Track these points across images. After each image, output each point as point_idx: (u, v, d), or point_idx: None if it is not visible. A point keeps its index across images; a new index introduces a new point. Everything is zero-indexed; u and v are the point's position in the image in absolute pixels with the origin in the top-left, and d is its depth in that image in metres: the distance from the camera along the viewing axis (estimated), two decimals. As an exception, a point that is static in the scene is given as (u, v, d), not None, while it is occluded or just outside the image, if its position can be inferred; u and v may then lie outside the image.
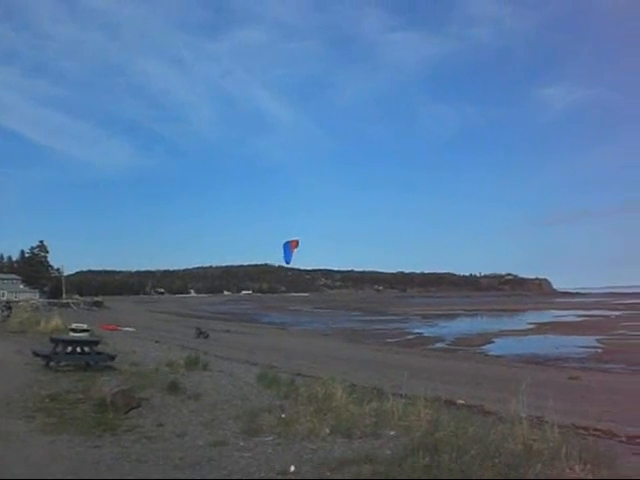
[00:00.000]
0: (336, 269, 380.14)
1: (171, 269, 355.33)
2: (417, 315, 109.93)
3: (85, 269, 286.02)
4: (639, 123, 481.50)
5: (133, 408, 9.58)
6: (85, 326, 18.27)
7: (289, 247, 18.72)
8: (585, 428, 10.30)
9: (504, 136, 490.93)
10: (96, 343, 15.86)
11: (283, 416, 8.89)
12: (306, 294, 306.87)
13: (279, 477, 6.37)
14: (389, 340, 55.22)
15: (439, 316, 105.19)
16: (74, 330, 17.39)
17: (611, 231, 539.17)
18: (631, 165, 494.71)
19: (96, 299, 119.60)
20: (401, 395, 9.59)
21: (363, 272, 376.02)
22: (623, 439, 9.70)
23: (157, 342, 27.75)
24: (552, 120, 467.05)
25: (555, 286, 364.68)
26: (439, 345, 50.40)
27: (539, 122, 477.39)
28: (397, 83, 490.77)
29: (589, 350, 42.96)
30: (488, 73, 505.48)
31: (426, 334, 63.29)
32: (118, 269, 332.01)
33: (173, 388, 11.12)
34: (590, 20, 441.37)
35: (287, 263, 19.48)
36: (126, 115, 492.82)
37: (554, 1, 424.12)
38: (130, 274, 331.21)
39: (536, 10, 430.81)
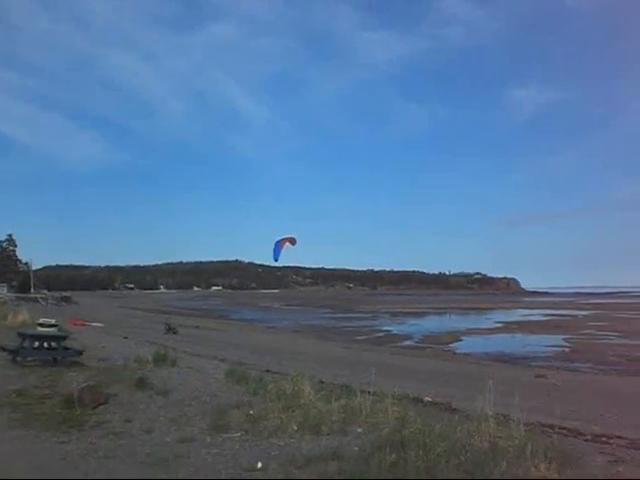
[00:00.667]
0: (307, 266, 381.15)
1: (141, 265, 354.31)
2: (387, 313, 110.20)
3: (53, 264, 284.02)
4: (607, 126, 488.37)
5: (100, 404, 9.55)
6: (53, 321, 17.99)
7: (279, 245, 18.79)
8: (551, 426, 10.44)
9: (474, 136, 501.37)
10: (64, 338, 15.73)
11: (251, 412, 8.92)
12: (277, 291, 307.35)
13: (246, 474, 6.40)
14: (358, 337, 55.31)
15: (408, 314, 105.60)
16: (42, 325, 17.15)
17: (578, 232, 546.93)
18: (598, 167, 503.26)
19: (64, 294, 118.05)
20: (369, 392, 9.67)
21: (334, 269, 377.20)
22: (589, 438, 9.85)
23: (125, 338, 27.59)
24: (522, 122, 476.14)
25: (523, 285, 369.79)
26: (408, 343, 50.50)
27: (509, 123, 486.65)
28: (369, 81, 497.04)
29: (556, 349, 43.34)
30: (460, 73, 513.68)
31: (395, 332, 63.46)
32: (87, 264, 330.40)
33: (141, 384, 11.10)
34: (562, 23, 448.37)
35: (275, 260, 19.57)
36: (97, 109, 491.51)
37: (526, 3, 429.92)
38: (99, 269, 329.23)
39: (508, 12, 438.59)
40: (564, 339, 50.81)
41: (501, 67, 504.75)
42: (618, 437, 10.01)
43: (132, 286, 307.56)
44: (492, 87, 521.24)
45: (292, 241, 19.21)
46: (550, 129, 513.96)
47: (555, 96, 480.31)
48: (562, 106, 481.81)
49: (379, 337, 56.88)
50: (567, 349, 43.39)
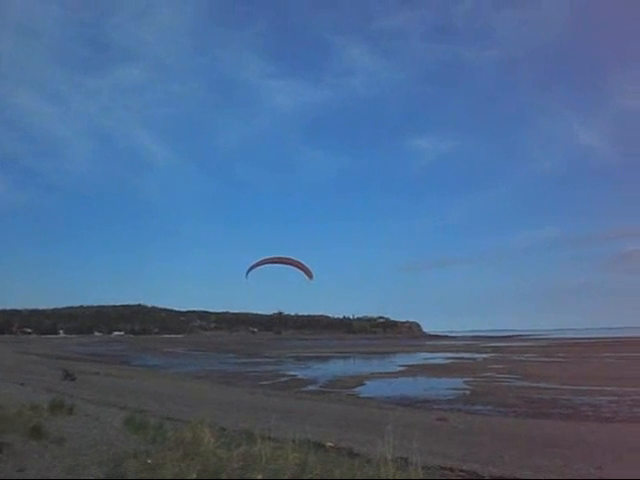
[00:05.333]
0: (211, 310, 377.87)
1: (39, 308, 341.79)
2: (291, 357, 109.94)
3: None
4: (503, 175, 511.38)
5: (-8, 454, 9.25)
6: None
7: (256, 265, 18.94)
8: (450, 469, 10.72)
9: (377, 184, 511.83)
10: (-47, 386, 15.18)
11: (149, 461, 8.79)
12: (181, 336, 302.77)
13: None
14: (262, 382, 54.92)
15: (313, 358, 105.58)
16: None
17: (475, 278, 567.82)
18: (493, 215, 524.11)
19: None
20: (270, 438, 9.70)
21: (238, 314, 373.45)
22: (487, 479, 10.18)
23: (22, 384, 26.64)
24: (422, 171, 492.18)
25: (425, 329, 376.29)
26: (311, 387, 50.47)
27: (410, 172, 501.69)
28: (275, 128, 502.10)
29: (457, 392, 44.09)
30: (362, 122, 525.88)
31: (299, 376, 63.31)
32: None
33: (36, 432, 10.79)
34: (461, 75, 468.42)
35: (245, 276, 19.75)
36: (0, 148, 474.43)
37: (426, 56, 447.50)
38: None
39: (408, 63, 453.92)
40: (465, 382, 51.81)
41: (401, 117, 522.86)
42: (515, 479, 10.39)
43: (30, 330, 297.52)
44: (393, 136, 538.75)
45: (309, 273, 19.18)
46: (448, 178, 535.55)
47: (453, 146, 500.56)
48: (460, 156, 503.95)
49: (283, 382, 56.67)
50: (468, 392, 44.17)
